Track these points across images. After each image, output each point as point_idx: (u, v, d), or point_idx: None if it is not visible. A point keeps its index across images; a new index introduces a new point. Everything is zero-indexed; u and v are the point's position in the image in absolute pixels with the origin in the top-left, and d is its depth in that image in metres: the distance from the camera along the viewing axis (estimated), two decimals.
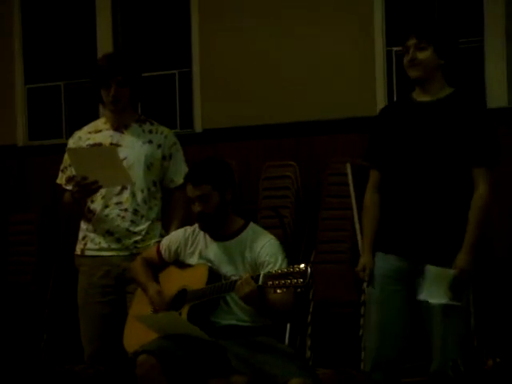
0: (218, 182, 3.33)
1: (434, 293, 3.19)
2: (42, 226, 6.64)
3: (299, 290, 3.02)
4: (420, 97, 3.32)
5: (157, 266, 3.52)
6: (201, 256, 3.40)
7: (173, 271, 3.49)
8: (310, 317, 5.80)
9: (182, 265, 3.47)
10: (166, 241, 3.53)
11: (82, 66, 6.89)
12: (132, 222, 3.68)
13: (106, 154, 3.61)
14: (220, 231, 3.38)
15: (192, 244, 3.45)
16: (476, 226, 3.22)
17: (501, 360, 5.50)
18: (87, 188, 3.57)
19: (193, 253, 3.43)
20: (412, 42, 3.26)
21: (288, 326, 3.88)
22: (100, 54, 6.13)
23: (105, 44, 6.74)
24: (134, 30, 6.91)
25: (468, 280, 3.22)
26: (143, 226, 3.69)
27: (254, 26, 6.37)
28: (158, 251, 3.52)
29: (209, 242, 3.41)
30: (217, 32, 6.46)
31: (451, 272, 3.20)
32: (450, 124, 3.24)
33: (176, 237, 3.50)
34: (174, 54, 6.78)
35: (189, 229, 3.49)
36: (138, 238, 3.69)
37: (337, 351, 5.62)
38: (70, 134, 3.96)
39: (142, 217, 3.69)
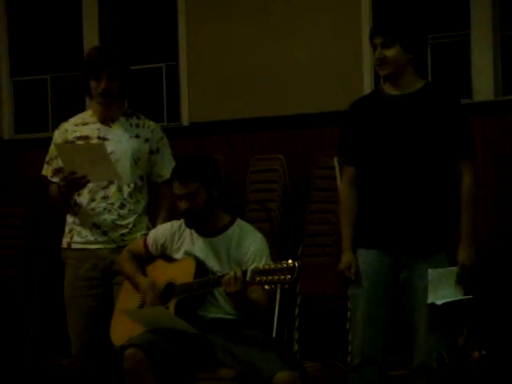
0: (205, 178, 3.31)
1: (440, 293, 3.19)
2: (29, 220, 6.62)
3: (287, 286, 3.01)
4: (392, 91, 3.31)
5: (143, 258, 3.51)
6: (187, 251, 3.39)
7: (160, 264, 3.47)
8: (297, 310, 5.81)
9: (169, 258, 3.46)
10: (152, 234, 3.52)
11: (68, 59, 6.87)
12: (119, 215, 3.67)
13: (94, 149, 3.60)
14: (207, 227, 3.37)
15: (179, 239, 3.44)
16: (470, 219, 3.24)
17: (486, 352, 5.53)
18: (75, 183, 3.56)
19: (179, 248, 3.42)
20: (378, 40, 3.26)
21: (275, 319, 3.89)
22: (86, 47, 6.11)
23: (91, 37, 6.72)
24: (120, 23, 6.89)
25: (472, 274, 3.23)
26: (130, 220, 3.69)
27: (241, 19, 6.36)
28: (145, 244, 3.51)
29: (195, 237, 3.40)
30: (204, 25, 6.45)
31: (454, 270, 3.22)
32: (424, 117, 3.24)
33: (163, 231, 3.49)
34: (160, 47, 6.77)
35: (175, 223, 3.48)
36: (125, 230, 3.68)
37: (324, 344, 5.64)
38: (56, 128, 3.94)
39: (129, 210, 3.69)
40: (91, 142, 3.69)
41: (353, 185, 3.36)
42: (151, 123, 3.79)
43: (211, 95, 6.42)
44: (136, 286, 3.45)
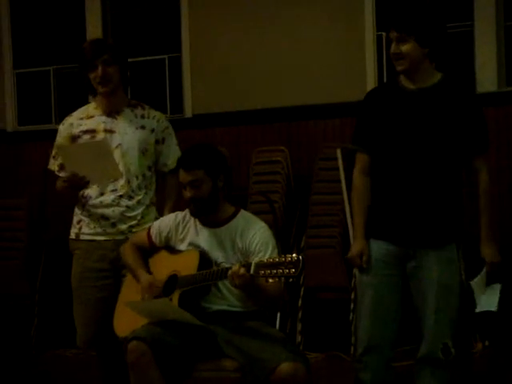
0: (210, 167, 3.31)
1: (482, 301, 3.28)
2: (32, 212, 6.63)
3: (291, 279, 3.02)
4: (409, 85, 3.29)
5: (147, 250, 3.51)
6: (191, 242, 3.39)
7: (164, 256, 3.48)
8: (300, 301, 5.82)
9: (172, 250, 3.46)
10: (156, 225, 3.52)
11: (71, 50, 6.86)
12: (127, 207, 3.67)
13: (97, 146, 3.57)
14: (211, 218, 3.38)
15: (183, 230, 3.44)
16: (491, 214, 3.25)
17: (490, 343, 5.53)
18: (76, 184, 3.57)
19: (183, 239, 3.42)
20: (393, 35, 3.24)
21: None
22: (89, 39, 6.10)
23: (94, 28, 6.71)
24: (123, 15, 6.88)
25: (499, 270, 3.26)
26: (138, 211, 3.69)
27: (244, 11, 6.35)
28: (149, 236, 3.51)
29: (199, 228, 3.40)
30: (206, 16, 6.44)
31: (484, 271, 3.25)
32: (441, 111, 3.24)
33: (167, 222, 3.49)
34: (163, 39, 6.76)
35: (180, 214, 3.48)
36: (133, 222, 3.68)
37: (327, 336, 5.65)
38: (59, 120, 3.94)
39: (138, 202, 3.69)
40: (97, 135, 3.68)
41: (366, 173, 3.36)
42: (156, 113, 3.78)
43: (214, 87, 6.41)
44: (137, 280, 3.46)
